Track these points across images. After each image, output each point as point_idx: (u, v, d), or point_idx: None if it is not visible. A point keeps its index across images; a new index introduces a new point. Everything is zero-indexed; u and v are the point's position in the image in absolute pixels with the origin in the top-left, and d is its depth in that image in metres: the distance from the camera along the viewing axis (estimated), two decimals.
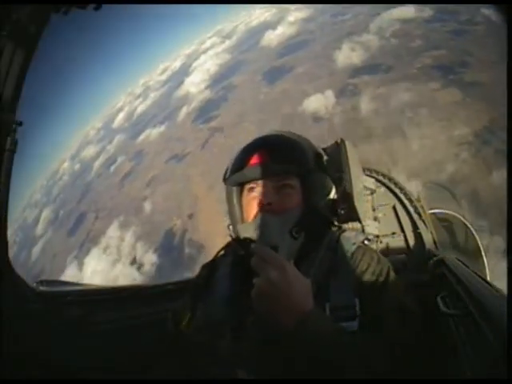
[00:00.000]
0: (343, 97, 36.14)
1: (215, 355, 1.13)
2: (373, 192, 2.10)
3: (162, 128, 55.17)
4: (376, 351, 0.96)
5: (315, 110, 35.98)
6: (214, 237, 25.68)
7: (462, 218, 2.98)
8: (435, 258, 1.70)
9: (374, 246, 1.45)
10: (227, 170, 1.34)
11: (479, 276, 1.28)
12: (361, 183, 1.94)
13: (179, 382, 1.26)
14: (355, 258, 1.19)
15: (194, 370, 1.18)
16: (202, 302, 1.30)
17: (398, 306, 1.08)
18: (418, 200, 2.16)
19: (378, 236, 1.94)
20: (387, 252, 1.94)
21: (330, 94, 36.55)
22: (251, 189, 1.25)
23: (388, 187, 2.19)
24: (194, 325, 1.26)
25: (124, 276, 30.45)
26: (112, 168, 54.09)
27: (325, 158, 1.33)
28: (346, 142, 1.90)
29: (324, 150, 1.87)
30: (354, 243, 1.24)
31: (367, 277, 1.14)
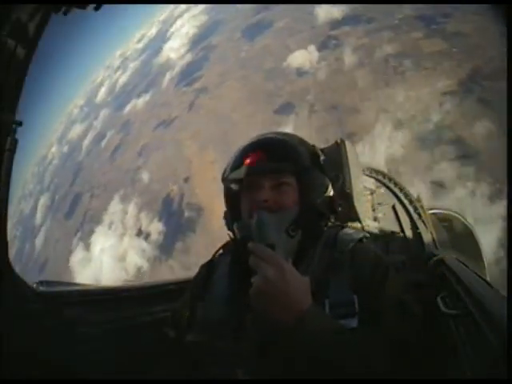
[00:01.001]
0: (326, 49, 35.71)
1: (215, 355, 1.13)
2: (373, 192, 2.10)
3: (147, 97, 53.75)
4: (376, 349, 0.96)
5: (299, 65, 35.67)
6: (211, 198, 25.64)
7: (462, 219, 2.98)
8: (435, 258, 1.70)
9: (372, 245, 1.46)
10: (225, 169, 1.34)
11: (479, 276, 1.28)
12: (361, 183, 1.95)
13: (179, 382, 1.26)
14: (353, 255, 1.19)
15: (194, 370, 1.18)
16: (201, 301, 1.30)
17: (397, 303, 1.09)
18: (418, 200, 2.16)
19: (377, 236, 1.94)
20: (387, 252, 1.94)
21: (313, 48, 36.14)
22: (248, 187, 1.25)
23: (388, 187, 2.19)
24: (193, 325, 1.27)
25: (133, 248, 30.30)
26: (102, 144, 52.45)
27: (322, 157, 1.34)
28: (346, 142, 1.90)
29: (323, 150, 1.88)
30: (352, 240, 1.24)
31: (365, 274, 1.14)
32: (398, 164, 22.04)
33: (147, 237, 29.88)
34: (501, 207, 15.76)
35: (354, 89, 28.95)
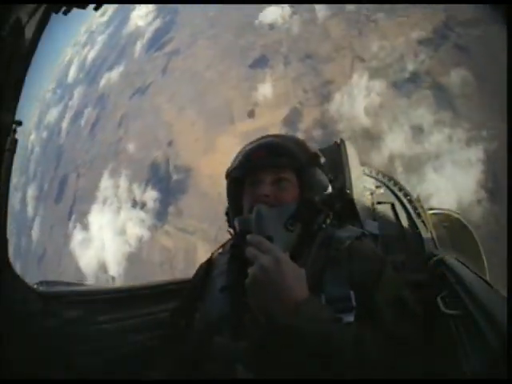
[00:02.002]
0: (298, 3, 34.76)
1: (215, 354, 1.13)
2: (372, 192, 2.10)
3: (120, 67, 51.04)
4: (374, 342, 0.95)
5: (272, 21, 35.14)
6: (196, 157, 25.39)
7: (462, 218, 2.99)
8: (435, 258, 1.70)
9: (370, 243, 1.47)
10: (228, 169, 1.39)
11: (479, 276, 1.28)
12: (361, 183, 1.95)
13: (179, 381, 1.27)
14: (351, 252, 1.20)
15: (194, 370, 1.18)
16: (200, 301, 1.31)
17: (395, 299, 1.09)
18: (418, 200, 2.16)
19: (377, 236, 1.94)
20: (387, 252, 1.94)
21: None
22: (250, 183, 1.30)
23: (388, 187, 2.19)
24: (193, 324, 1.27)
25: (131, 220, 29.76)
26: (81, 122, 49.89)
27: (322, 158, 1.38)
28: (346, 143, 1.90)
29: (323, 150, 1.89)
30: (349, 238, 1.25)
31: (363, 270, 1.14)
32: (376, 111, 22.04)
33: (143, 206, 29.39)
34: (478, 151, 16.11)
35: (327, 38, 28.64)
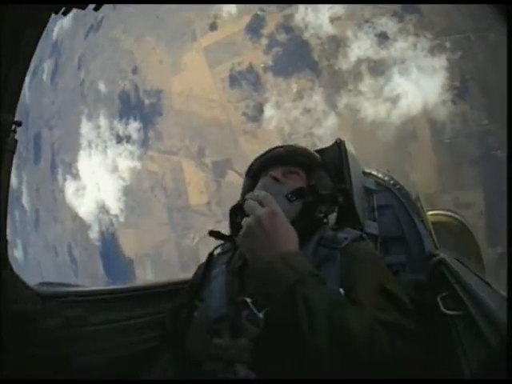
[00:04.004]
0: None
1: (214, 353, 1.13)
2: (372, 192, 2.10)
3: (70, 13, 52.21)
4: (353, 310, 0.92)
5: None
6: (164, 78, 24.79)
7: (462, 219, 2.99)
8: (435, 258, 1.70)
9: (369, 244, 1.47)
10: (249, 166, 1.60)
11: (479, 276, 1.27)
12: (360, 183, 1.95)
13: (179, 382, 1.27)
14: (345, 253, 1.20)
15: (194, 370, 1.18)
16: (199, 300, 1.31)
17: (380, 290, 1.05)
18: (418, 200, 2.16)
19: (377, 236, 1.94)
20: (387, 252, 1.94)
21: None
22: (263, 175, 1.45)
23: (387, 187, 2.19)
24: (191, 324, 1.27)
25: (120, 156, 29.16)
26: (43, 77, 51.12)
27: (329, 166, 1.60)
28: (346, 143, 1.90)
29: (324, 150, 1.89)
30: (346, 239, 1.25)
31: (354, 270, 1.14)
32: (341, 20, 22.31)
33: (129, 139, 29.31)
34: (442, 60, 16.94)
35: None
